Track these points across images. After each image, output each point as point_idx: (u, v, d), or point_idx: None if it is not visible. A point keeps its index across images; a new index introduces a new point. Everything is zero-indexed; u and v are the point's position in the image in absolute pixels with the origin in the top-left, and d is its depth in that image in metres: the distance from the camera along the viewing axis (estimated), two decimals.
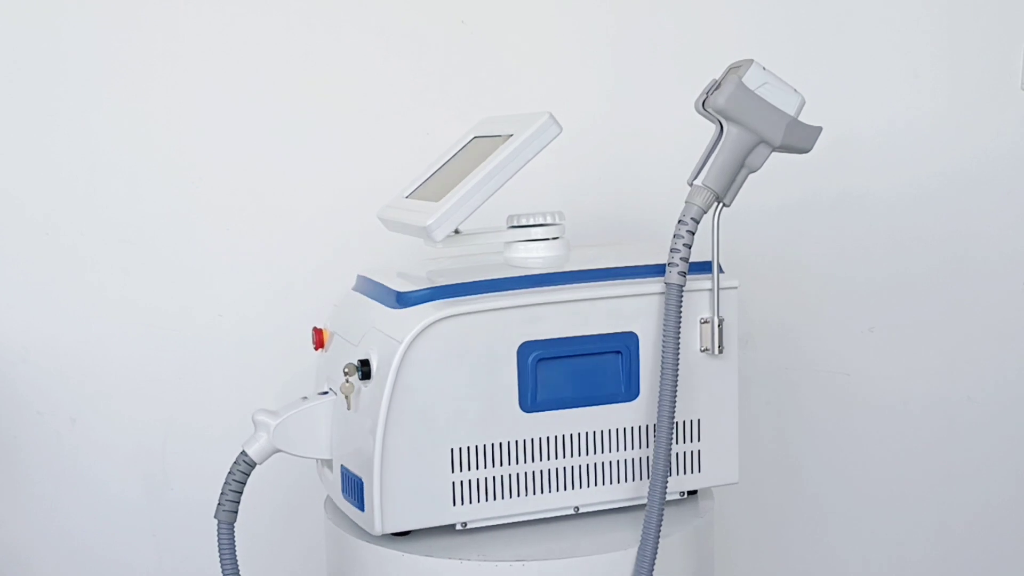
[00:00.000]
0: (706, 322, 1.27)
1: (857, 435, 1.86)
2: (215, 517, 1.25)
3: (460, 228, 1.27)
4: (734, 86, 1.24)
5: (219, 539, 1.25)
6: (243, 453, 1.25)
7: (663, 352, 1.20)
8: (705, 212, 1.23)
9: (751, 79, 1.25)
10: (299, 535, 1.77)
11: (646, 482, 1.25)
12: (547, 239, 1.30)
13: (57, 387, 1.73)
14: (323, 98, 1.73)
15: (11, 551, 1.74)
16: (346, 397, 1.20)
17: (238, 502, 1.26)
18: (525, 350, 1.19)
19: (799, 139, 1.27)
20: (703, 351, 1.27)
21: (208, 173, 1.72)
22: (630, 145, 1.78)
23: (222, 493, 1.25)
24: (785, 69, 1.78)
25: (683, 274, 1.21)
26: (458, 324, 1.16)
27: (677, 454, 1.27)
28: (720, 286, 1.26)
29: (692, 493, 1.32)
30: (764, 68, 1.26)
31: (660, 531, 1.19)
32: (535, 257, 1.29)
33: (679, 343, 1.21)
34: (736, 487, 1.75)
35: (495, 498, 1.20)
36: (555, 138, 1.26)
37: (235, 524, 1.26)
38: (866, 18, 1.78)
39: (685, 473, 1.28)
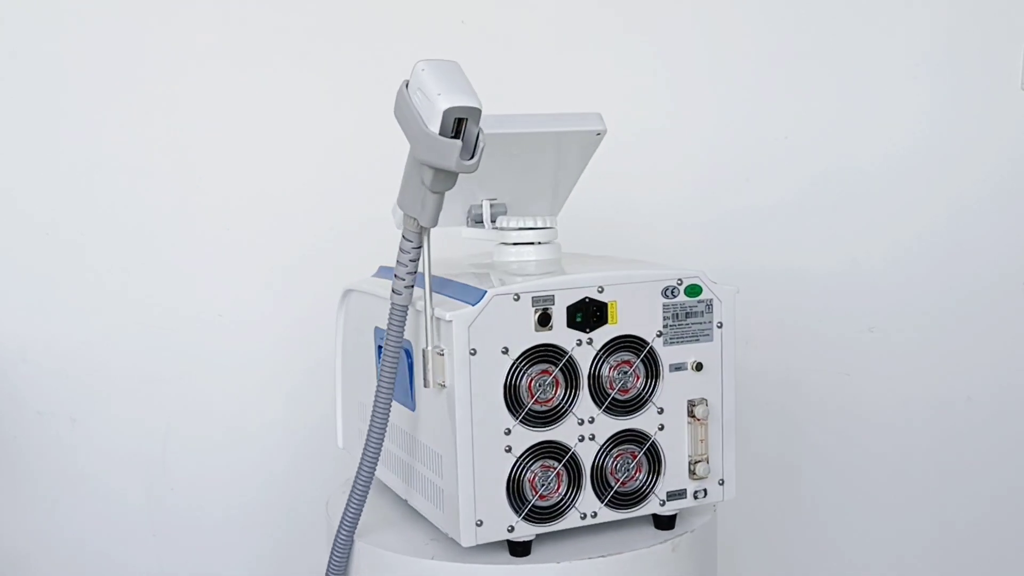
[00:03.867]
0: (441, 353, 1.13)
1: (857, 435, 1.86)
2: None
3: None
4: (398, 92, 1.08)
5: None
6: None
7: (382, 366, 1.15)
8: (415, 232, 1.13)
9: (412, 84, 1.08)
10: (301, 544, 1.78)
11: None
12: (537, 243, 1.28)
13: (57, 387, 1.73)
14: (323, 98, 1.73)
15: (12, 551, 1.74)
16: None
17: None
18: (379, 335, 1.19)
19: (438, 156, 1.06)
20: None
21: (208, 173, 1.72)
22: (630, 145, 1.78)
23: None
24: (785, 69, 1.79)
25: (398, 293, 1.14)
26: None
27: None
28: (446, 314, 1.12)
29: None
30: (427, 69, 1.08)
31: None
32: (526, 261, 1.27)
33: (397, 362, 1.15)
34: (736, 487, 1.75)
35: None
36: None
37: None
38: (866, 18, 1.78)
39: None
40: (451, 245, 1.37)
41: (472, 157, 1.06)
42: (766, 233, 1.80)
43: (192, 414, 1.76)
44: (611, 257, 1.40)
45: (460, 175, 1.09)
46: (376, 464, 1.19)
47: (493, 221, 1.29)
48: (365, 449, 1.19)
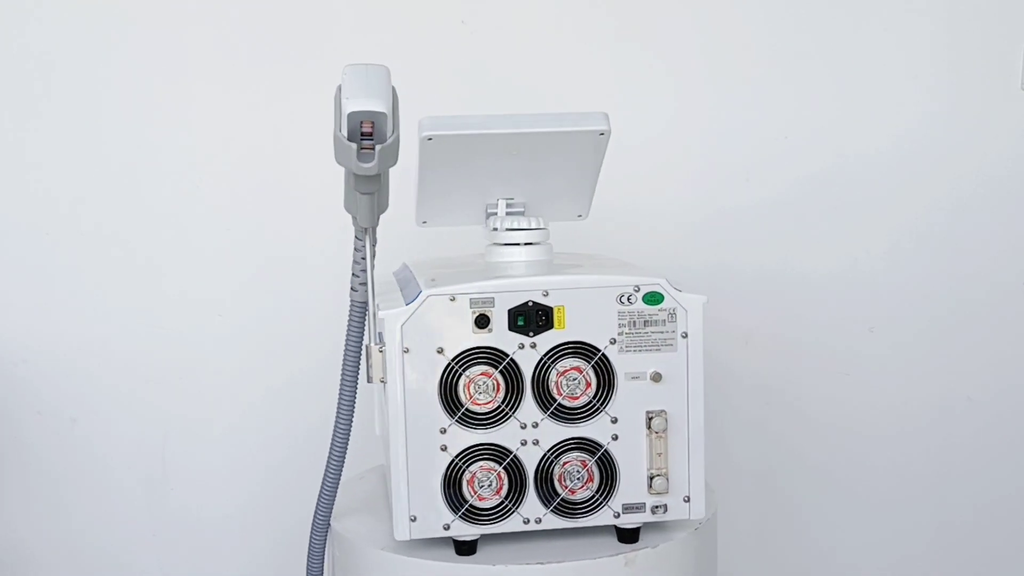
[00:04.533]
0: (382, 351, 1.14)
1: (857, 435, 1.86)
2: None
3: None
4: (335, 95, 1.09)
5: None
6: None
7: (344, 359, 1.18)
8: (361, 231, 1.16)
9: (339, 88, 1.09)
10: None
11: None
12: (528, 243, 1.27)
13: (57, 387, 1.72)
14: (323, 98, 1.73)
15: (12, 551, 1.74)
16: None
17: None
18: None
19: (344, 158, 1.08)
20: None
21: (208, 174, 1.72)
22: (630, 145, 1.78)
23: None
24: (784, 69, 1.79)
25: (355, 289, 1.19)
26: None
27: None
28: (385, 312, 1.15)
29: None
30: (347, 73, 1.10)
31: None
32: (509, 262, 1.27)
33: (358, 355, 1.18)
34: (737, 487, 1.75)
35: None
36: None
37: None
38: (866, 18, 1.78)
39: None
40: (472, 244, 1.37)
41: (373, 160, 1.07)
42: (766, 233, 1.80)
43: (192, 414, 1.76)
44: (605, 260, 1.39)
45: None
46: (344, 453, 1.22)
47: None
48: (332, 439, 1.24)
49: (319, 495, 1.28)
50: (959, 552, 1.89)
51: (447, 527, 1.16)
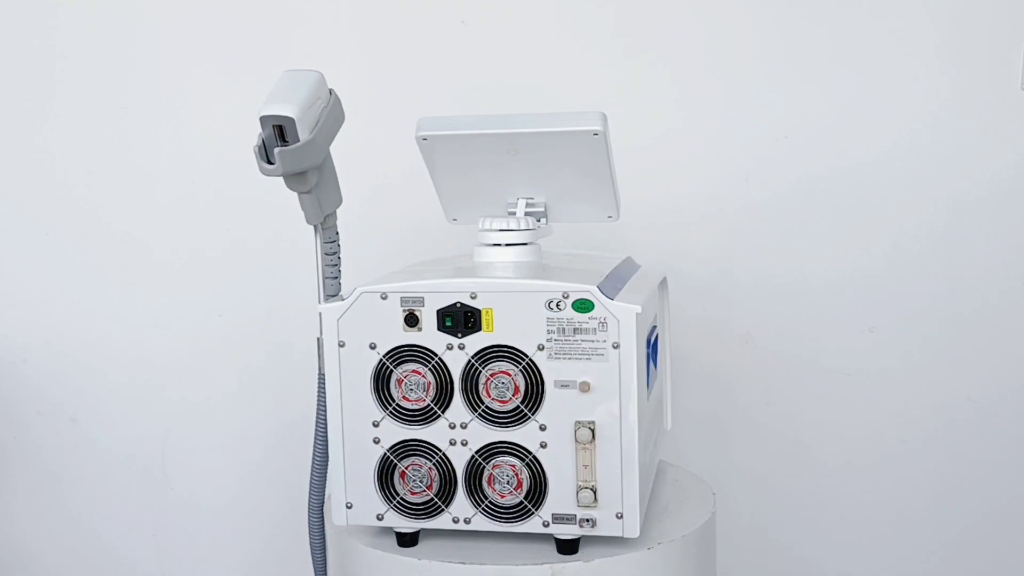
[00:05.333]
0: None
1: (857, 435, 1.86)
2: None
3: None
4: None
5: None
6: None
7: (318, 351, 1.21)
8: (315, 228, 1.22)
9: None
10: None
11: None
12: (515, 244, 1.26)
13: (57, 387, 1.73)
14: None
15: (12, 551, 1.74)
16: None
17: None
18: None
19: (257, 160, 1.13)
20: None
21: (208, 173, 1.72)
22: (630, 145, 1.78)
23: None
24: (785, 69, 1.79)
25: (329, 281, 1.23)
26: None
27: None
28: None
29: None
30: (279, 78, 1.15)
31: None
32: (494, 263, 1.26)
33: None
34: (736, 487, 1.75)
35: None
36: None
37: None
38: (866, 18, 1.78)
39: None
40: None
41: (275, 163, 1.11)
42: (766, 233, 1.80)
43: (192, 414, 1.76)
44: (596, 259, 1.38)
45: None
46: (326, 439, 1.23)
47: (540, 220, 1.31)
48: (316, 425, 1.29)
49: (310, 476, 1.31)
50: (959, 551, 1.89)
51: (380, 517, 1.18)
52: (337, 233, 1.24)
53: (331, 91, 1.19)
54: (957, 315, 1.83)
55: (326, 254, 1.22)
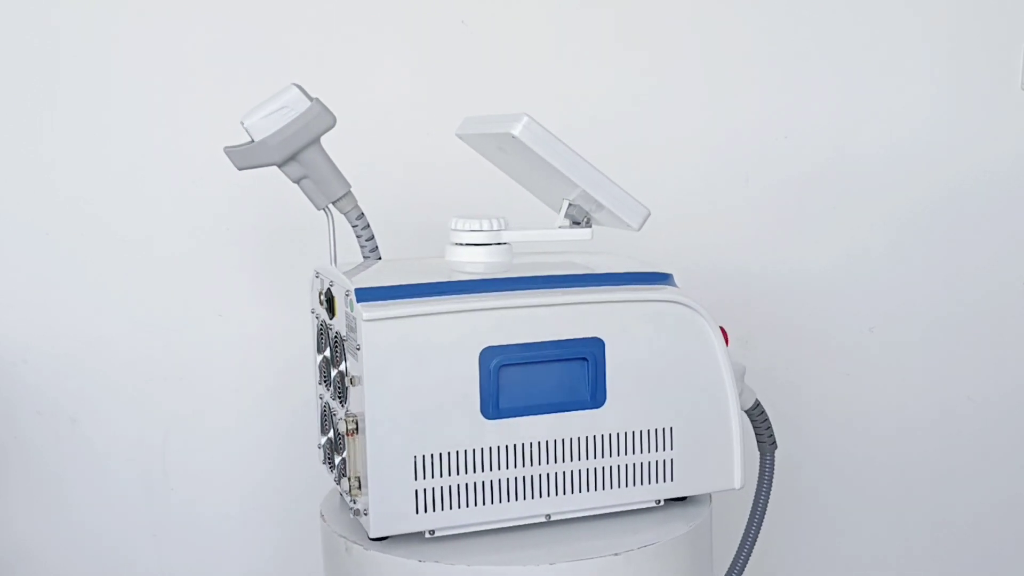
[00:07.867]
0: None
1: (857, 434, 1.86)
2: None
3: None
4: None
5: None
6: None
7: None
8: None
9: None
10: (300, 540, 1.78)
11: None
12: (488, 244, 1.27)
13: (57, 387, 1.73)
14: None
15: (11, 551, 1.74)
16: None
17: None
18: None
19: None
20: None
21: (208, 173, 1.72)
22: (629, 144, 1.79)
23: None
24: (784, 68, 1.79)
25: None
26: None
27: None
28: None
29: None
30: (280, 91, 1.30)
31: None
32: (476, 262, 1.26)
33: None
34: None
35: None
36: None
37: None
38: (866, 18, 1.78)
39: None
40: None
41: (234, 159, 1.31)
42: (765, 232, 1.80)
43: (192, 414, 1.76)
44: (589, 256, 1.38)
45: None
46: None
47: (579, 221, 1.32)
48: None
49: None
50: (959, 550, 1.89)
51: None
52: (360, 213, 1.32)
53: (314, 99, 1.30)
54: (957, 314, 1.84)
55: (357, 231, 1.32)
